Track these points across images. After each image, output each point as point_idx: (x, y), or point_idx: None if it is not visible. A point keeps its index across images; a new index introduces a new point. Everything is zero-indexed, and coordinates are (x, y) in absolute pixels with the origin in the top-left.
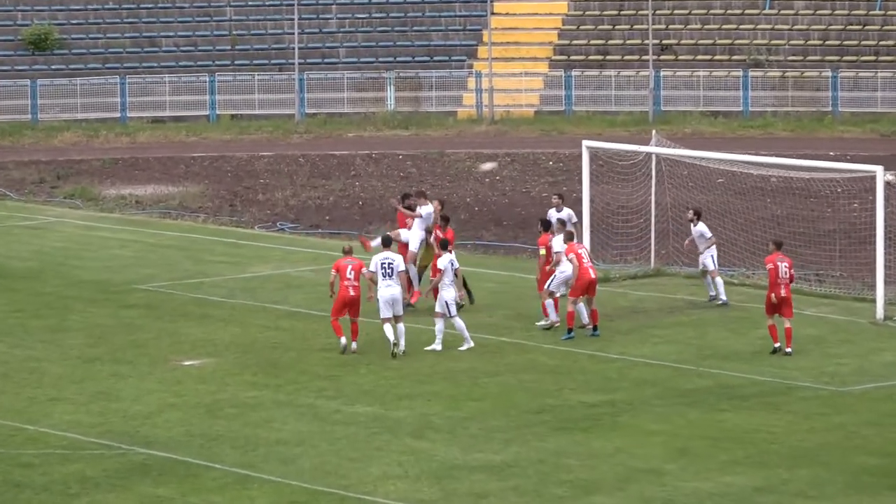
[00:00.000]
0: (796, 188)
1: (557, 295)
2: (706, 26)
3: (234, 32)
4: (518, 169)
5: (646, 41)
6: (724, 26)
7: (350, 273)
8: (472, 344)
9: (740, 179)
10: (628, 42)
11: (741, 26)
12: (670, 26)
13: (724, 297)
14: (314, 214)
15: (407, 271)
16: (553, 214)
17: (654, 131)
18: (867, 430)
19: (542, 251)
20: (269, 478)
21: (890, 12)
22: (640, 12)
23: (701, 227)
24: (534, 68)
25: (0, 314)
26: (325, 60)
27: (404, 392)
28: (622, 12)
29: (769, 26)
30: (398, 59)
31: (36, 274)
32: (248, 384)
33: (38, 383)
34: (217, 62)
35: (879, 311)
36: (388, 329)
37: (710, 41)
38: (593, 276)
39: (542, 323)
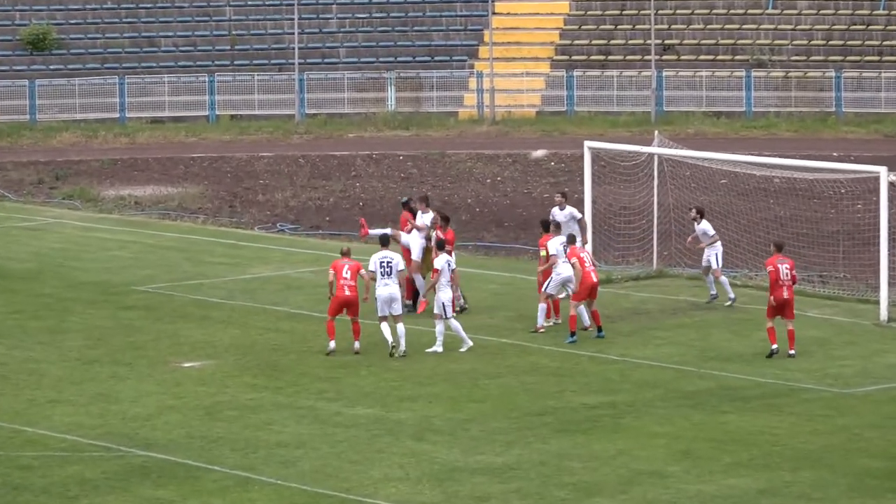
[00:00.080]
0: (799, 189)
1: (558, 297)
2: (709, 26)
3: (234, 32)
4: (519, 170)
5: (648, 41)
6: (727, 26)
7: (346, 273)
8: (470, 343)
9: (743, 180)
10: (630, 42)
11: (744, 26)
12: (673, 26)
13: (731, 294)
14: (314, 215)
15: (408, 273)
16: (556, 213)
17: (656, 132)
18: (871, 433)
19: (543, 252)
20: (269, 480)
21: (894, 12)
22: (643, 12)
23: (704, 226)
24: (535, 68)
25: None
26: (326, 60)
27: (405, 394)
28: (624, 12)
29: (772, 26)
30: (399, 59)
31: (35, 275)
32: (248, 386)
33: (38, 385)
34: (216, 62)
35: (883, 313)
36: (384, 328)
37: (713, 41)
38: (595, 280)
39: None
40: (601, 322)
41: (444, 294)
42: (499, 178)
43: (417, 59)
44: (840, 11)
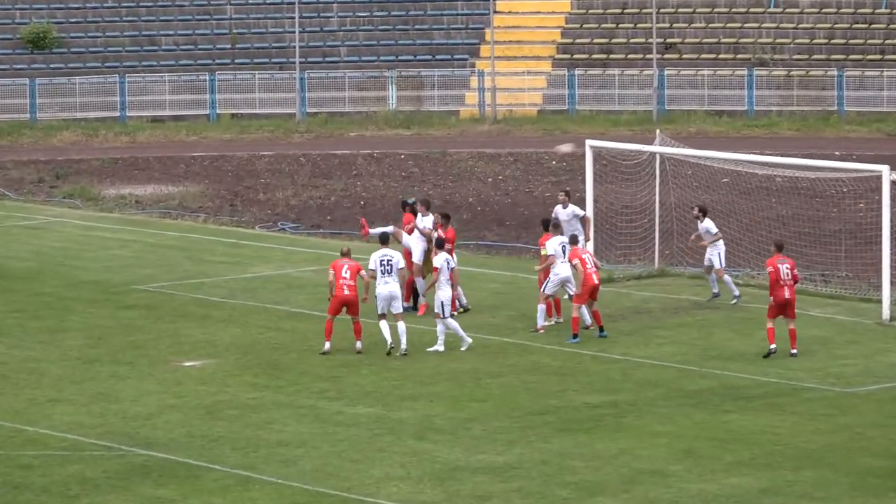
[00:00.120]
0: (801, 188)
1: (560, 297)
2: (710, 25)
3: (235, 31)
4: (521, 168)
5: (650, 40)
6: (729, 25)
7: (346, 273)
8: (470, 342)
9: (745, 179)
10: (632, 41)
11: (746, 25)
12: (674, 25)
13: (736, 291)
14: (315, 214)
15: (408, 272)
16: (559, 211)
17: (658, 131)
18: (873, 432)
19: (544, 251)
20: (270, 479)
21: None
22: (644, 11)
23: (707, 224)
24: (537, 67)
25: None
26: (327, 59)
27: (406, 393)
28: (626, 11)
29: (774, 25)
30: (400, 57)
31: (35, 274)
32: (248, 385)
33: (38, 384)
34: (217, 61)
35: (885, 312)
36: (383, 326)
37: (715, 40)
38: (596, 282)
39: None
40: (602, 322)
41: (444, 293)
42: (500, 177)
43: (418, 57)
44: (842, 10)
